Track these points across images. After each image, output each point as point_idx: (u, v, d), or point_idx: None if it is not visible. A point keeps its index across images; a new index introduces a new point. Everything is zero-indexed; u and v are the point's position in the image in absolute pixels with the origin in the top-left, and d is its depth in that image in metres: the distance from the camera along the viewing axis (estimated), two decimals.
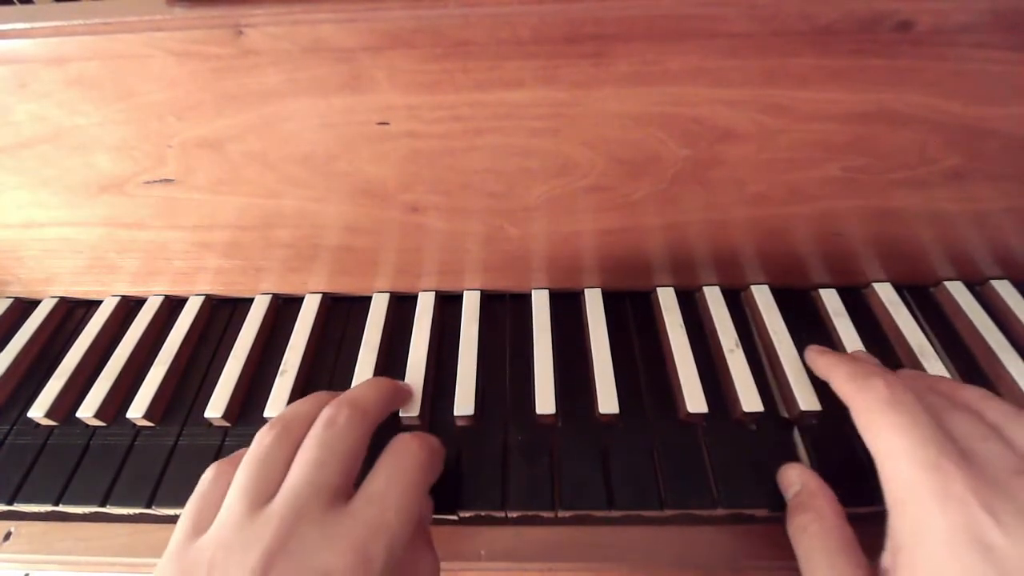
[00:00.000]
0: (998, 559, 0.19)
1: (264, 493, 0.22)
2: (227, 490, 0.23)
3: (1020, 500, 0.21)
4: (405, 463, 0.24)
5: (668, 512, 0.28)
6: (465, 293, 0.38)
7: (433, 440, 0.27)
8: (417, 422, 0.31)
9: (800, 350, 0.33)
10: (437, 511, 0.28)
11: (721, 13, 0.25)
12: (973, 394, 0.26)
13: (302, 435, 0.24)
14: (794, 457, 0.30)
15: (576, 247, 0.35)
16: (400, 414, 0.31)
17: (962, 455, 0.22)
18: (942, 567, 0.20)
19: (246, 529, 0.21)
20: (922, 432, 0.23)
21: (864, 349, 0.33)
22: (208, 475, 0.24)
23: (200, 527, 0.22)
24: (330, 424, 0.24)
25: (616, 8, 0.25)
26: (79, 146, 0.30)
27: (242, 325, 0.37)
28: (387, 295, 0.38)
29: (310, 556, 0.20)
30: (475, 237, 0.34)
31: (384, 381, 0.29)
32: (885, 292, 0.36)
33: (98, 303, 0.39)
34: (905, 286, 0.37)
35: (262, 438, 0.24)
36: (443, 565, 0.29)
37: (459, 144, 0.29)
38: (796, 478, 0.27)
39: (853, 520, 0.25)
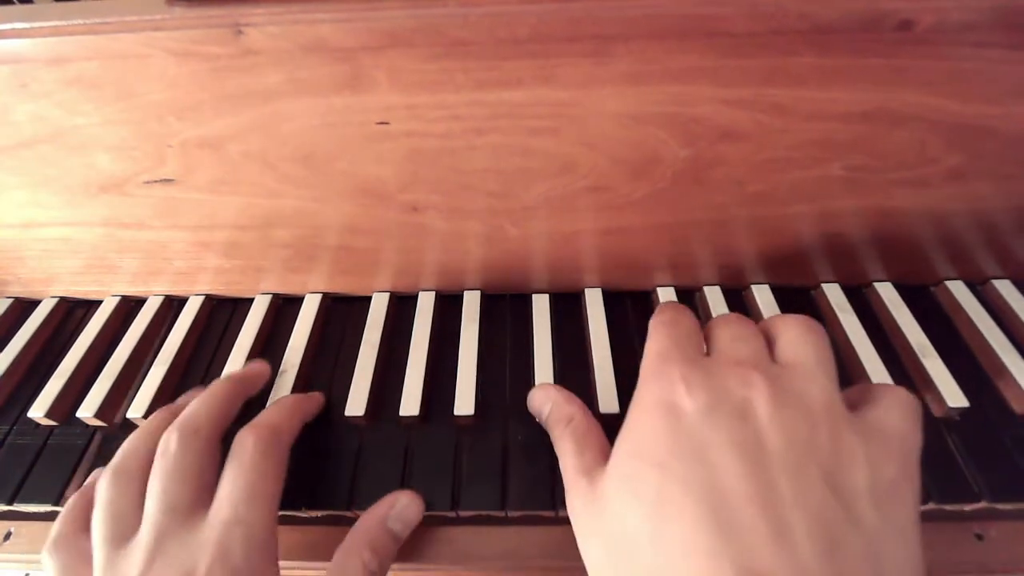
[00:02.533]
0: (679, 419, 0.21)
1: (125, 533, 0.24)
2: (81, 545, 0.25)
3: (718, 379, 0.22)
4: (243, 459, 0.25)
5: None
6: (465, 293, 0.38)
7: (271, 421, 0.28)
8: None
9: None
10: (438, 510, 0.28)
11: (721, 12, 0.25)
12: (779, 317, 0.26)
13: (139, 472, 0.25)
14: None
15: (576, 247, 0.35)
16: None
17: (699, 353, 0.24)
18: (638, 428, 0.23)
19: (117, 566, 0.23)
20: (675, 334, 0.25)
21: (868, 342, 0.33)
22: (53, 548, 0.25)
23: None
24: (164, 454, 0.25)
25: (616, 7, 0.25)
26: (79, 146, 0.30)
27: (242, 325, 0.37)
28: (387, 295, 0.38)
29: (175, 563, 0.22)
30: (475, 237, 0.34)
31: (216, 390, 0.29)
32: (886, 291, 0.36)
33: (98, 303, 0.39)
34: (906, 286, 0.37)
35: (100, 490, 0.25)
36: (443, 566, 0.29)
37: (459, 144, 0.29)
38: (545, 397, 0.29)
39: None
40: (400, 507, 0.28)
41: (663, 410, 0.22)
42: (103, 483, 0.25)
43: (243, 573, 0.22)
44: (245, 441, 0.26)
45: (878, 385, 0.25)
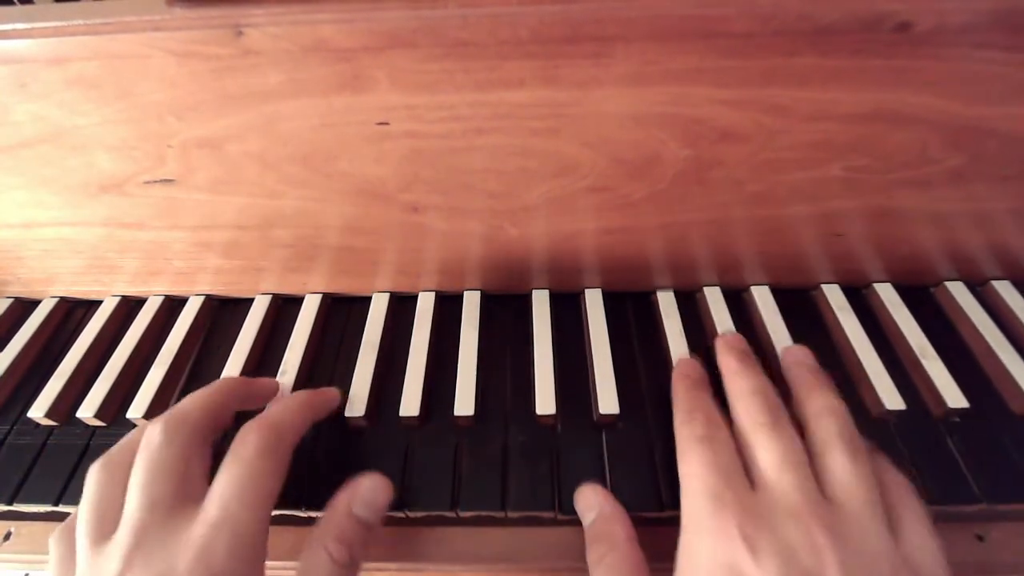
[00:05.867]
0: None
1: (105, 529, 0.23)
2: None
3: (783, 538, 0.21)
4: (242, 455, 0.24)
5: (668, 513, 0.28)
6: (465, 293, 0.38)
7: (278, 418, 0.26)
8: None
9: None
10: (438, 510, 0.28)
11: (721, 13, 0.25)
12: (816, 407, 0.26)
13: (126, 467, 0.24)
14: None
15: (576, 247, 0.35)
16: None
17: (748, 488, 0.23)
18: None
19: (94, 566, 0.22)
20: (718, 463, 0.24)
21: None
22: (56, 536, 0.25)
23: None
24: (148, 444, 0.24)
25: (616, 8, 0.25)
26: (79, 146, 0.30)
27: (242, 325, 0.37)
28: (387, 295, 0.38)
29: (152, 560, 0.21)
30: (475, 237, 0.34)
31: (216, 385, 0.28)
32: (886, 292, 0.36)
33: (98, 303, 0.39)
34: (906, 286, 0.37)
35: (89, 479, 0.24)
36: (443, 566, 0.29)
37: (459, 144, 0.29)
38: (594, 502, 0.27)
39: None
40: (364, 492, 0.26)
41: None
42: (90, 476, 0.24)
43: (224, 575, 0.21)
44: (247, 437, 0.25)
45: (895, 490, 0.24)
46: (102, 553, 0.22)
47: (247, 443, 0.24)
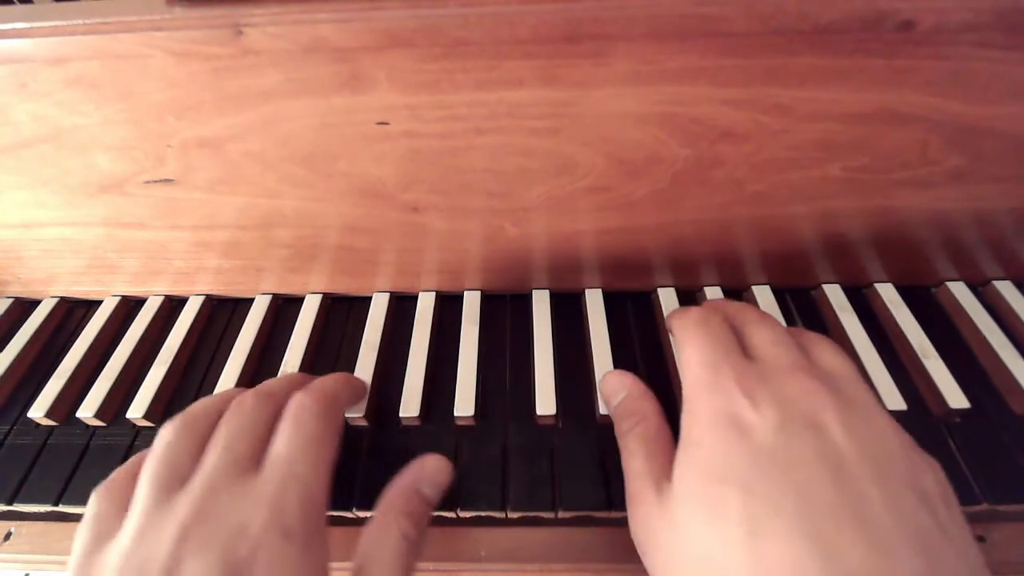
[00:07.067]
0: (751, 435, 0.21)
1: (175, 481, 0.23)
2: (130, 496, 0.23)
3: (780, 389, 0.22)
4: (301, 418, 0.25)
5: None
6: (465, 293, 0.38)
7: (328, 387, 0.27)
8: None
9: None
10: (437, 510, 0.28)
11: (721, 13, 0.25)
12: (799, 330, 0.28)
13: (205, 427, 0.25)
14: None
15: (576, 247, 0.35)
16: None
17: (744, 358, 0.25)
18: (705, 447, 0.22)
19: (161, 512, 0.21)
20: (714, 340, 0.25)
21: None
22: (100, 491, 0.24)
23: (105, 536, 0.22)
24: (239, 407, 0.25)
25: (616, 8, 0.25)
26: (79, 146, 0.30)
27: (242, 325, 0.37)
28: (387, 295, 0.38)
29: (225, 517, 0.21)
30: (475, 237, 0.34)
31: (287, 377, 0.29)
32: (887, 292, 0.36)
33: (98, 303, 0.39)
34: (907, 286, 0.37)
35: (161, 435, 0.24)
36: (442, 565, 0.29)
37: (459, 144, 0.29)
38: (621, 385, 0.29)
39: None
40: (430, 470, 0.27)
41: (729, 426, 0.22)
42: (165, 429, 0.24)
43: (297, 534, 0.21)
44: (303, 401, 0.25)
45: None
46: (169, 503, 0.22)
47: (303, 407, 0.25)
